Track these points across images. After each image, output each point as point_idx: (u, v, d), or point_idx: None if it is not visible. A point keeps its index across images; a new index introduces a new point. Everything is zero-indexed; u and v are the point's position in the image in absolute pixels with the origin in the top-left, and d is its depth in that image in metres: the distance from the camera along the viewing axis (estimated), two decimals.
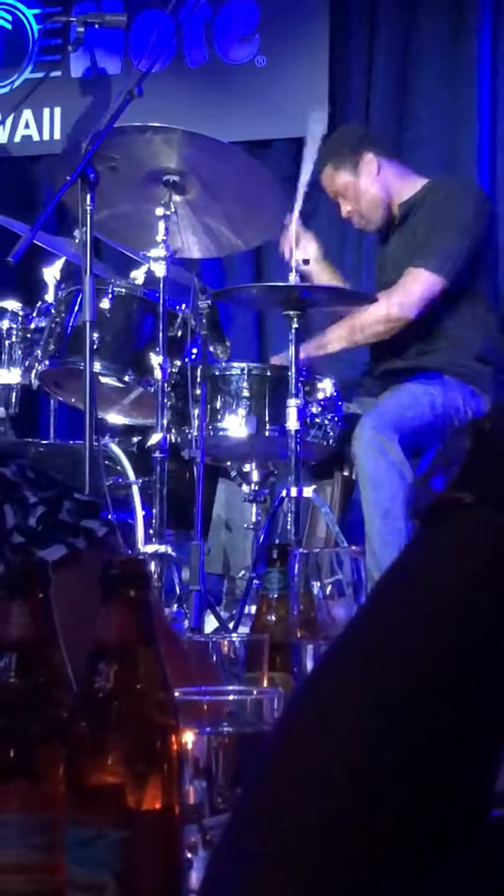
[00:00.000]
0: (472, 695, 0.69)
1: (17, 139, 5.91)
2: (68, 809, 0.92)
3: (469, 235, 4.08)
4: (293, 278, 3.80)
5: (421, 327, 4.10)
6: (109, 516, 3.48)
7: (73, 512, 1.43)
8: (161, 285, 3.77)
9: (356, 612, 0.76)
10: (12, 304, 4.13)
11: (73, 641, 0.98)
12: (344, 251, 5.49)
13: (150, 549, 3.68)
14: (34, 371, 4.02)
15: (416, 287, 4.05)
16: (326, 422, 3.97)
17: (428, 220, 4.14)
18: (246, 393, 3.92)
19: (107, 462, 3.78)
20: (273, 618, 1.76)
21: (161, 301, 3.76)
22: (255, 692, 1.16)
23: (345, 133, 4.62)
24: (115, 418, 4.24)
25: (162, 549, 3.67)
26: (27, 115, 5.86)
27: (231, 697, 1.12)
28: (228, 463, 4.18)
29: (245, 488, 4.14)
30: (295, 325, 3.78)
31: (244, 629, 3.44)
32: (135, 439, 4.21)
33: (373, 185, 4.26)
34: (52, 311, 4.01)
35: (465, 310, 4.11)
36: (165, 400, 3.78)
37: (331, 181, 4.31)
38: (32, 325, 4.08)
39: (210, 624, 3.76)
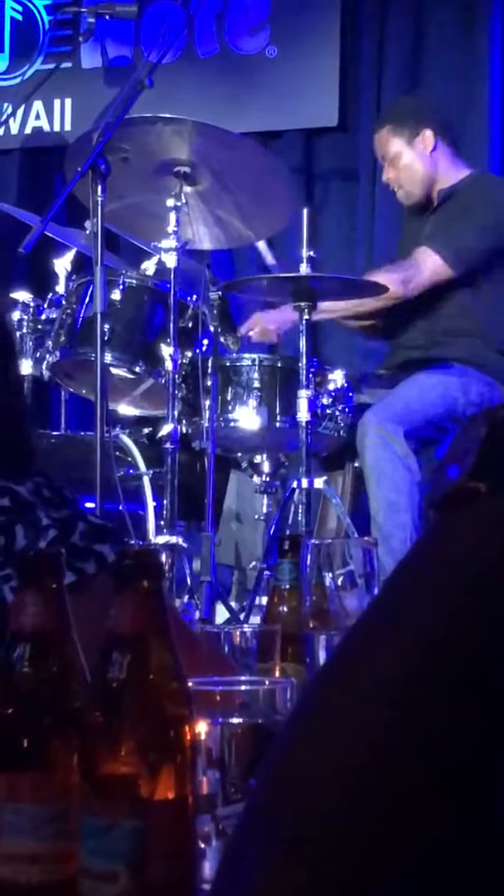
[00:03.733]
0: (490, 683, 0.69)
1: (28, 130, 5.91)
2: (82, 799, 0.92)
3: (489, 237, 4.06)
4: (303, 269, 3.79)
5: (445, 319, 4.09)
6: (120, 507, 3.50)
7: (86, 535, 1.42)
8: (172, 276, 3.76)
9: (370, 602, 0.76)
10: (23, 296, 4.13)
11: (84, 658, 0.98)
12: (354, 243, 5.49)
13: (161, 540, 3.68)
14: (45, 362, 4.02)
15: (426, 270, 4.03)
16: (337, 413, 3.97)
17: (456, 209, 4.12)
18: (257, 384, 3.92)
19: (118, 453, 3.78)
20: (285, 609, 1.76)
21: (172, 292, 3.75)
22: (267, 682, 1.16)
23: (413, 102, 4.60)
24: (126, 409, 4.24)
25: (173, 540, 3.67)
26: (38, 106, 5.86)
27: (244, 688, 1.12)
28: (239, 454, 4.18)
29: (256, 479, 4.14)
30: (305, 317, 3.78)
31: (255, 620, 3.45)
32: (146, 430, 4.21)
33: (421, 161, 4.24)
34: (63, 302, 4.01)
35: (493, 303, 4.09)
36: (176, 391, 3.78)
37: (384, 143, 4.30)
38: (43, 317, 4.08)
39: (221, 615, 3.77)
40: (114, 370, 3.88)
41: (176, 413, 3.76)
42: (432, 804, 0.68)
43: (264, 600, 3.05)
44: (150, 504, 3.86)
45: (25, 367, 4.08)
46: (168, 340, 3.76)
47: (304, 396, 3.74)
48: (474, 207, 4.11)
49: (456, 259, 4.02)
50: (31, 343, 4.08)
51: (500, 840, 0.70)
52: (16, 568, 1.27)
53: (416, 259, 4.05)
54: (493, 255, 4.07)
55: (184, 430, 3.88)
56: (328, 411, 3.94)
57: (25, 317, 4.09)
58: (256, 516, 4.16)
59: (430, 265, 4.03)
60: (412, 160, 4.24)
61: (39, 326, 4.08)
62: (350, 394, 4.03)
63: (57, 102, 5.86)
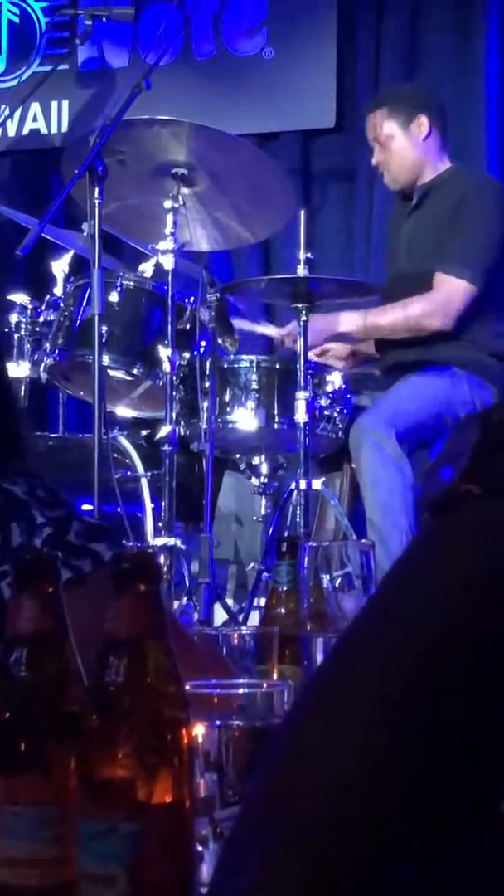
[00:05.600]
0: (483, 683, 0.69)
1: (25, 132, 5.91)
2: (79, 803, 0.92)
3: (496, 236, 4.06)
4: (301, 271, 3.79)
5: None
6: (119, 509, 3.50)
7: (81, 534, 1.42)
8: (169, 278, 3.77)
9: (366, 603, 0.76)
10: (21, 298, 4.13)
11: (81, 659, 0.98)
12: (352, 244, 5.49)
13: (160, 541, 3.68)
14: (43, 364, 4.02)
15: (454, 299, 4.02)
16: (335, 414, 3.97)
17: (454, 217, 4.09)
18: (255, 385, 3.92)
19: (116, 455, 3.78)
20: (283, 611, 1.76)
21: (169, 294, 3.75)
22: (265, 685, 1.16)
23: (411, 88, 4.66)
24: (123, 411, 4.25)
25: (171, 541, 3.67)
26: (35, 108, 5.86)
27: (241, 690, 1.12)
28: (237, 456, 4.18)
29: (254, 481, 4.14)
30: (303, 318, 3.78)
31: (253, 622, 3.45)
32: (144, 432, 4.21)
33: (414, 147, 4.24)
34: (61, 304, 4.01)
35: (483, 306, 4.09)
36: (174, 393, 3.78)
37: (377, 124, 4.29)
38: (41, 319, 4.08)
39: (219, 616, 3.77)
40: (112, 372, 3.88)
41: (174, 415, 3.76)
42: (427, 807, 0.69)
43: (263, 601, 3.06)
44: (149, 506, 3.86)
45: (23, 369, 4.08)
46: (166, 342, 3.76)
47: (301, 398, 3.75)
48: (472, 212, 4.09)
49: (474, 274, 4.01)
50: (28, 345, 4.08)
51: (495, 844, 0.70)
52: (12, 568, 1.27)
53: (441, 289, 4.04)
54: (497, 255, 4.07)
55: (182, 432, 3.88)
56: (326, 413, 3.95)
57: (23, 319, 4.09)
58: (255, 518, 4.16)
59: (455, 291, 4.02)
60: (405, 144, 4.24)
61: (37, 328, 4.07)
62: (348, 395, 4.03)
63: (54, 104, 5.86)
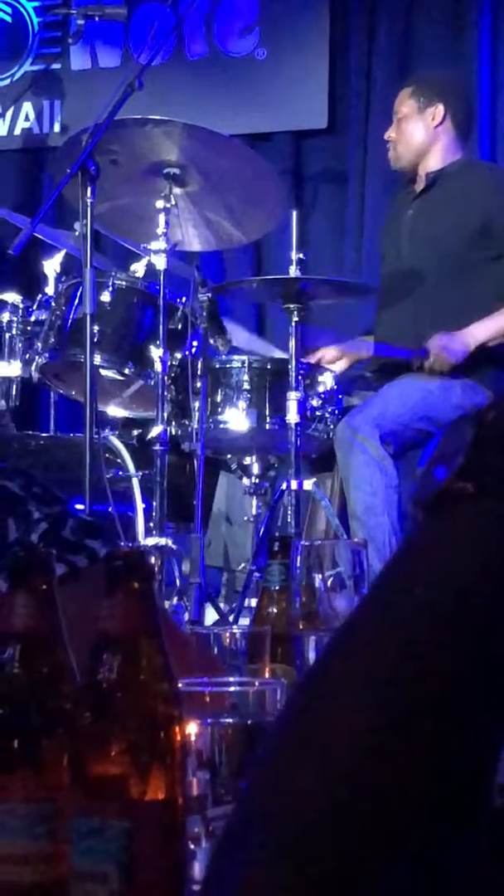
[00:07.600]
0: (477, 683, 0.69)
1: (17, 132, 5.91)
2: (72, 800, 0.92)
3: None
4: (293, 271, 3.80)
5: (430, 323, 4.08)
6: (110, 508, 3.50)
7: (77, 530, 1.43)
8: (161, 278, 3.77)
9: (359, 603, 0.76)
10: (13, 297, 4.13)
11: (74, 654, 0.99)
12: (343, 243, 5.50)
13: (151, 541, 3.68)
14: (34, 364, 4.01)
15: None
16: (327, 415, 3.97)
17: (487, 207, 4.11)
18: (246, 386, 3.92)
19: (107, 455, 3.78)
20: (275, 610, 1.76)
21: (161, 294, 3.75)
22: (257, 683, 1.16)
23: (443, 76, 4.63)
24: (115, 411, 4.24)
25: (162, 541, 3.67)
26: (27, 107, 5.86)
27: (234, 689, 1.13)
28: (229, 456, 4.18)
29: (245, 481, 4.15)
30: (295, 318, 3.78)
31: (244, 622, 3.45)
32: (135, 432, 4.21)
33: (422, 131, 4.25)
34: (53, 303, 4.01)
35: (476, 308, 4.08)
36: (166, 393, 3.78)
37: (401, 100, 4.34)
38: (33, 318, 4.07)
39: (210, 616, 3.77)
40: (103, 372, 3.88)
41: (165, 415, 3.76)
42: (422, 805, 0.69)
43: (254, 602, 3.06)
44: (140, 506, 3.86)
45: (14, 368, 4.08)
46: (157, 342, 3.76)
47: (293, 398, 3.75)
48: None
49: None
50: (20, 344, 4.08)
51: (488, 842, 0.71)
52: (6, 566, 1.28)
53: None
54: None
55: (173, 432, 3.88)
56: (317, 413, 3.95)
57: (15, 318, 4.09)
58: (246, 518, 4.16)
59: None
60: (415, 127, 4.26)
61: (29, 328, 4.07)
62: (339, 396, 4.03)
63: (46, 104, 5.86)
